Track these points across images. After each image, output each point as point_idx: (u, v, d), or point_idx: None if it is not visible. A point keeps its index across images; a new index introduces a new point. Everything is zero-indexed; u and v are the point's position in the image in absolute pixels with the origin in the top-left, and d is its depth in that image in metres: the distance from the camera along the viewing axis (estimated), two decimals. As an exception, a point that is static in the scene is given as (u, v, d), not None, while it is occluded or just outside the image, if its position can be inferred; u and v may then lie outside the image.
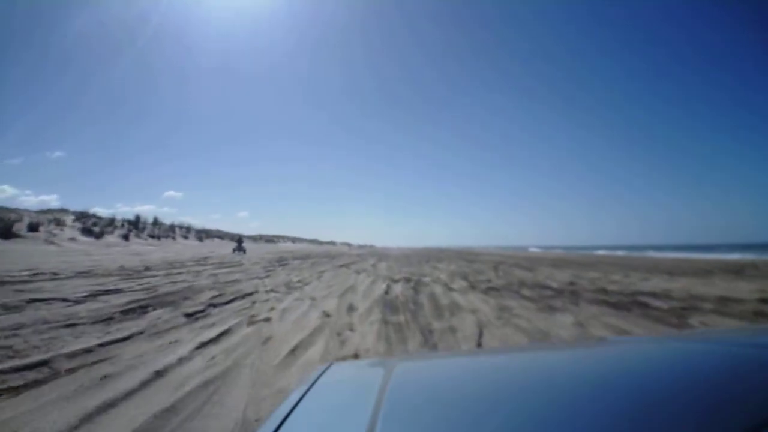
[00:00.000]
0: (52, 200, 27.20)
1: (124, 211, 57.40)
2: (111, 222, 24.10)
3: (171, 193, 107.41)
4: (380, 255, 23.49)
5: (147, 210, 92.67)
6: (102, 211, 26.63)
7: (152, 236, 24.76)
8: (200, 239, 30.51)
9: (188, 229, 31.85)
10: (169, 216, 53.27)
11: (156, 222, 28.62)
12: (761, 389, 0.48)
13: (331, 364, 0.78)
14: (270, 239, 52.34)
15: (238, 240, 24.19)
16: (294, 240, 60.17)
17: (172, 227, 29.75)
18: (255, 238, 48.12)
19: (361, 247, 59.75)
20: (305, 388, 0.63)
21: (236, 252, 19.72)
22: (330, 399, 0.63)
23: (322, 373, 0.72)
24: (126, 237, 21.63)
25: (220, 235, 36.19)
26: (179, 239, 27.63)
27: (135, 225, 25.26)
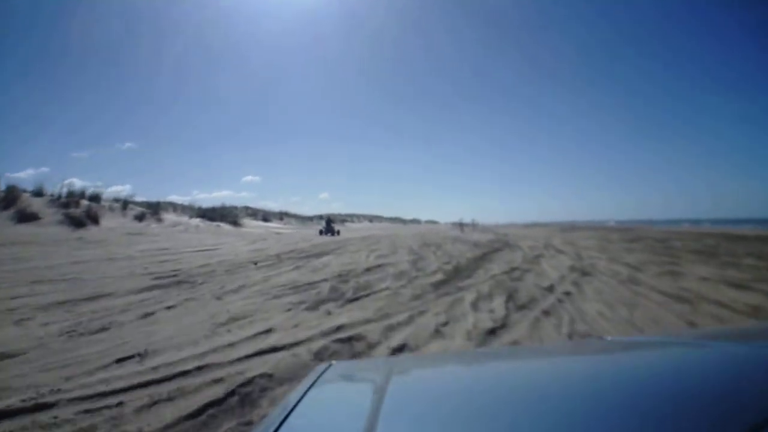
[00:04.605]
0: (124, 191, 21.77)
1: (201, 198, 56.55)
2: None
3: (249, 177, 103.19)
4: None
5: (224, 196, 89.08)
6: (179, 199, 22.43)
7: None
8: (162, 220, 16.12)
9: (170, 207, 18.79)
10: (247, 201, 51.59)
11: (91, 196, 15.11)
12: (761, 389, 0.47)
13: (331, 364, 0.75)
14: (335, 219, 32.60)
15: (328, 221, 21.93)
16: (371, 219, 49.75)
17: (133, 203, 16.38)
18: (305, 220, 31.58)
19: (461, 226, 35.37)
20: (305, 388, 0.61)
21: (324, 234, 18.49)
22: (330, 399, 0.63)
23: (322, 373, 0.70)
24: None
25: (266, 216, 25.58)
26: (110, 219, 13.70)
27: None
